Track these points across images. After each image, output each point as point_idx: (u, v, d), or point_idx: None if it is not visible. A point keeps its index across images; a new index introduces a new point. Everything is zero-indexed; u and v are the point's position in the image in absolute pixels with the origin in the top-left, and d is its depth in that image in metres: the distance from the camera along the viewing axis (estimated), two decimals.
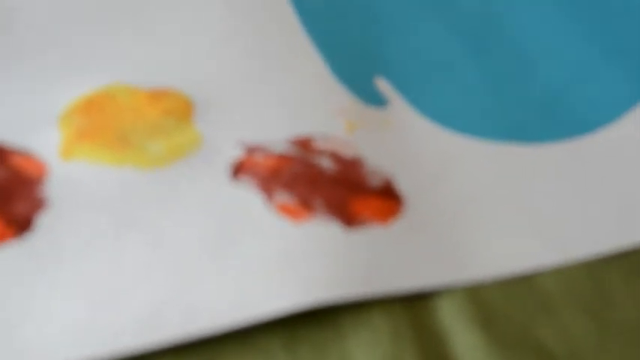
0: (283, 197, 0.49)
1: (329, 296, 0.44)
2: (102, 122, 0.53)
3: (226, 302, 0.44)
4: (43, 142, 0.52)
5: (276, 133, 0.53)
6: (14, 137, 0.52)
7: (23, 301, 0.43)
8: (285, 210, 0.49)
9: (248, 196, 0.50)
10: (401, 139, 0.55)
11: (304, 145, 0.53)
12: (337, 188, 0.50)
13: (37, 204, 0.48)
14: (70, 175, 0.50)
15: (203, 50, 0.59)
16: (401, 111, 0.57)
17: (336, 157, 0.52)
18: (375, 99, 0.57)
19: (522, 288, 0.49)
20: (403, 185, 0.51)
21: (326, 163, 0.52)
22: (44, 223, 0.48)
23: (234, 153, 0.52)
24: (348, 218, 0.49)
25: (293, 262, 0.46)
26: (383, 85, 0.59)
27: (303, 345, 0.45)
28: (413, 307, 0.47)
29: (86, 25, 0.60)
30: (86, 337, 0.42)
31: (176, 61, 0.58)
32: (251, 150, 0.52)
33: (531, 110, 0.58)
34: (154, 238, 0.47)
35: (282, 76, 0.58)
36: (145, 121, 0.54)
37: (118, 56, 0.58)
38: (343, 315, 0.46)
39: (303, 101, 0.56)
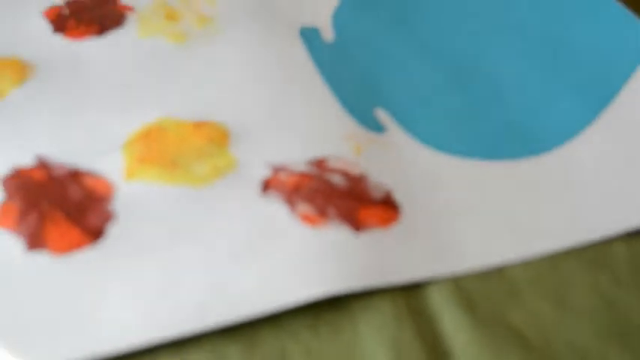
0: (304, 208, 0.50)
1: (343, 287, 0.46)
2: (157, 149, 0.54)
3: (261, 292, 0.45)
4: (110, 166, 0.53)
5: (297, 155, 0.54)
6: (86, 162, 0.53)
7: (98, 294, 0.45)
8: (306, 218, 0.50)
9: (275, 208, 0.51)
10: (397, 159, 0.55)
11: (320, 165, 0.54)
12: (347, 200, 0.51)
13: (106, 217, 0.49)
14: (132, 193, 0.51)
15: (237, 89, 0.59)
16: (396, 136, 0.57)
17: (345, 175, 0.53)
18: (375, 126, 0.58)
19: (496, 277, 0.49)
20: (400, 197, 0.52)
21: (337, 180, 0.52)
22: (113, 232, 0.49)
23: (263, 173, 0.53)
24: (356, 224, 0.50)
25: (313, 260, 0.47)
26: (381, 115, 0.59)
27: (323, 326, 0.46)
28: (410, 294, 0.48)
29: (141, 71, 0.60)
30: (151, 322, 0.44)
31: (215, 99, 0.58)
32: (276, 170, 0.53)
33: (501, 133, 0.58)
34: (202, 242, 0.48)
35: (302, 110, 0.58)
36: (190, 148, 0.54)
37: (168, 95, 0.59)
38: (355, 301, 0.47)
39: (318, 130, 0.57)
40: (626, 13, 0.66)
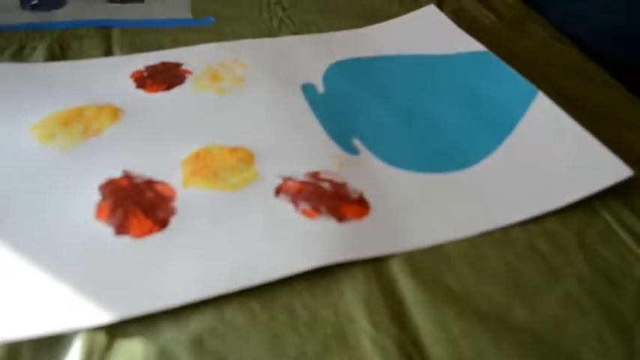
0: (304, 205, 0.48)
1: (331, 260, 0.43)
2: (204, 166, 0.51)
3: (275, 263, 0.43)
4: (172, 177, 0.50)
5: (299, 170, 0.51)
6: (157, 174, 0.50)
7: (164, 265, 0.42)
8: (305, 212, 0.47)
9: (284, 206, 0.48)
10: (367, 173, 0.52)
11: (314, 176, 0.51)
12: (333, 200, 0.48)
13: (170, 212, 0.47)
14: (187, 196, 0.48)
15: (259, 126, 0.56)
16: (367, 157, 0.54)
17: (332, 183, 0.50)
18: (352, 150, 0.55)
19: (435, 252, 0.46)
20: (369, 198, 0.49)
21: (326, 186, 0.49)
22: (174, 222, 0.46)
23: (276, 182, 0.50)
24: (340, 217, 0.47)
25: (310, 241, 0.45)
26: (357, 143, 0.56)
27: (317, 287, 0.43)
28: (376, 265, 0.45)
29: (194, 113, 0.58)
30: (199, 283, 0.41)
31: (244, 132, 0.55)
32: (285, 180, 0.50)
33: (437, 156, 0.54)
34: (234, 228, 0.45)
35: (302, 140, 0.55)
36: (227, 165, 0.51)
37: (212, 130, 0.56)
38: (338, 270, 0.44)
39: (313, 152, 0.53)
40: (514, 74, 0.62)
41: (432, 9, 0.74)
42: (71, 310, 0.38)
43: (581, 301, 0.43)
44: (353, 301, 0.42)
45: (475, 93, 0.61)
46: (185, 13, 0.75)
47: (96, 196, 0.46)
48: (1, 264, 0.40)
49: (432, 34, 0.70)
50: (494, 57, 0.64)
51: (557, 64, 0.70)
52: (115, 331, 0.38)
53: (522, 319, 0.41)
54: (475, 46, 0.66)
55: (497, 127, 0.57)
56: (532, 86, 0.59)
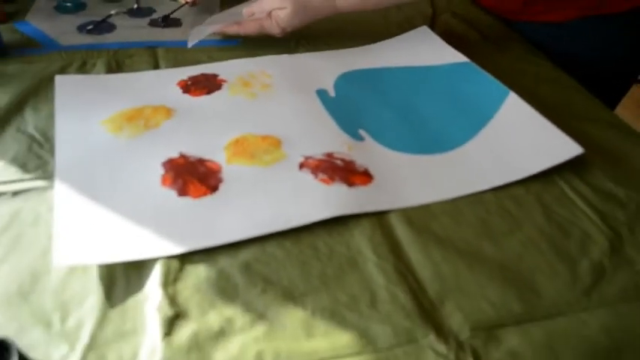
0: (322, 175, 0.61)
1: (344, 211, 0.57)
2: (242, 149, 0.65)
3: (303, 214, 0.56)
4: (219, 157, 0.63)
5: (317, 151, 0.64)
6: (206, 155, 0.64)
7: (216, 217, 0.56)
8: (323, 180, 0.60)
9: (306, 176, 0.61)
10: (370, 153, 0.65)
11: (329, 155, 0.64)
12: (344, 172, 0.62)
13: (218, 181, 0.60)
14: (230, 169, 0.62)
15: (284, 120, 0.70)
16: (369, 142, 0.68)
17: (342, 160, 0.63)
18: (359, 137, 0.68)
19: (424, 209, 0.60)
20: (372, 171, 0.62)
21: (339, 162, 0.63)
22: (222, 188, 0.59)
23: (299, 160, 0.63)
24: (349, 183, 0.60)
25: (328, 199, 0.58)
26: (362, 132, 0.69)
27: (334, 231, 0.56)
28: (379, 217, 0.58)
29: (231, 112, 0.72)
30: (244, 227, 0.55)
31: (273, 124, 0.69)
32: (306, 158, 0.64)
33: (425, 141, 0.68)
34: (268, 192, 0.59)
35: (318, 129, 0.69)
36: (260, 148, 0.65)
37: (246, 123, 0.69)
38: (349, 220, 0.57)
39: (327, 139, 0.67)
40: (490, 78, 0.76)
41: (424, 29, 0.89)
42: (153, 244, 0.52)
43: (537, 243, 0.56)
44: (361, 240, 0.55)
45: (457, 93, 0.75)
46: (215, 35, 0.91)
47: (160, 170, 0.61)
48: (98, 215, 0.55)
49: (423, 49, 0.85)
50: (474, 65, 0.79)
51: (530, 73, 0.84)
52: (185, 259, 0.52)
53: (490, 253, 0.55)
54: (459, 57, 0.81)
55: (475, 119, 0.71)
56: (505, 87, 0.73)
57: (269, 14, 0.81)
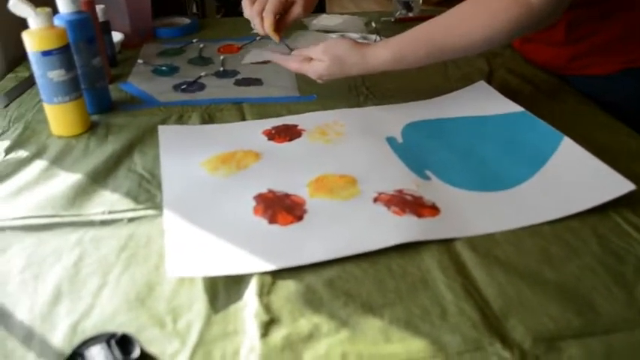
0: (394, 208, 0.66)
1: (416, 238, 0.62)
2: (322, 185, 0.71)
3: (379, 239, 0.61)
4: (302, 192, 0.70)
5: (389, 187, 0.70)
6: (290, 191, 0.70)
7: (301, 241, 0.62)
8: (395, 212, 0.66)
9: (380, 209, 0.67)
10: (437, 190, 0.70)
11: (400, 191, 0.69)
12: (414, 205, 0.67)
13: (303, 212, 0.66)
14: (313, 203, 0.68)
15: (358, 162, 0.76)
16: (436, 181, 0.73)
17: (412, 196, 0.69)
18: (425, 177, 0.73)
19: (488, 238, 0.64)
20: (439, 205, 0.67)
21: (409, 197, 0.68)
22: (306, 218, 0.65)
23: (373, 195, 0.69)
24: (419, 215, 0.65)
25: (399, 228, 0.63)
26: (428, 173, 0.75)
27: (405, 256, 0.61)
28: (446, 244, 0.63)
29: (311, 156, 0.79)
30: (327, 250, 0.60)
31: (348, 165, 0.75)
32: (380, 193, 0.69)
33: (488, 180, 0.72)
34: (346, 223, 0.65)
35: (389, 169, 0.75)
36: (338, 185, 0.71)
37: (325, 164, 0.76)
38: (419, 246, 0.62)
39: (397, 177, 0.73)
40: (545, 124, 0.80)
41: (481, 83, 0.96)
42: (248, 262, 0.59)
43: (594, 268, 0.59)
44: (430, 263, 0.60)
45: (514, 138, 0.80)
46: (294, 92, 1.00)
47: (252, 202, 0.68)
48: (202, 237, 0.62)
49: (482, 101, 0.90)
50: (529, 114, 0.84)
51: (583, 120, 0.89)
52: (276, 275, 0.58)
53: (550, 277, 0.58)
54: (515, 107, 0.86)
55: (532, 161, 0.75)
56: (559, 133, 0.78)
57: (310, 60, 0.88)
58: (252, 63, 0.99)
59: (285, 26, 0.95)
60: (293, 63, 0.89)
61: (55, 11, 0.84)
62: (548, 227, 0.65)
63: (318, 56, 0.86)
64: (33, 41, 0.78)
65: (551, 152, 0.76)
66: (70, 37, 0.81)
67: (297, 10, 0.94)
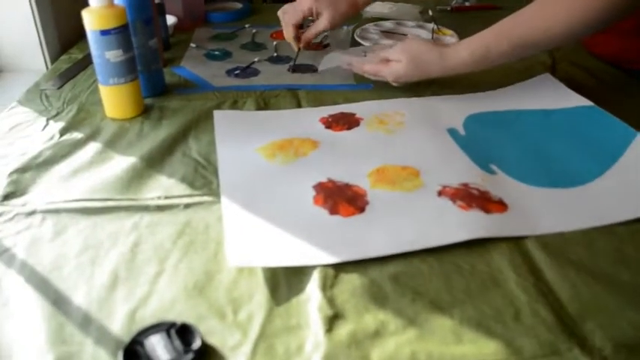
0: (460, 202, 0.64)
1: (483, 235, 0.59)
2: (384, 176, 0.69)
3: (443, 234, 0.59)
4: (363, 183, 0.68)
5: (454, 180, 0.68)
6: (351, 181, 0.68)
7: (366, 233, 0.60)
8: (461, 207, 0.63)
9: (446, 203, 0.64)
10: (503, 185, 0.68)
11: (465, 185, 0.67)
12: (480, 200, 0.64)
13: (365, 203, 0.64)
14: (374, 194, 0.66)
15: (421, 152, 0.74)
16: (502, 176, 0.70)
17: (478, 190, 0.66)
18: (491, 171, 0.71)
19: (559, 236, 0.61)
20: (507, 201, 0.65)
21: (474, 192, 0.66)
22: (368, 209, 0.63)
23: (437, 188, 0.67)
24: (486, 210, 0.63)
25: (466, 223, 0.61)
26: (493, 167, 0.72)
27: (473, 252, 0.59)
28: (515, 242, 0.60)
29: (370, 145, 0.77)
30: (390, 244, 0.58)
31: (410, 156, 0.73)
32: (444, 186, 0.67)
33: (556, 176, 0.70)
34: (410, 215, 0.62)
35: (452, 162, 0.72)
36: (400, 176, 0.69)
37: (385, 154, 0.74)
38: (487, 243, 0.60)
39: (461, 170, 0.70)
40: (617, 120, 0.77)
41: (546, 76, 0.92)
42: (310, 253, 0.57)
43: None
44: (500, 261, 0.57)
45: (583, 133, 0.77)
46: (349, 80, 0.97)
47: (311, 192, 0.66)
48: (261, 226, 0.60)
49: (547, 94, 0.87)
50: (599, 109, 0.80)
51: None
52: (339, 268, 0.56)
53: (627, 279, 0.55)
54: (584, 101, 0.83)
55: (603, 158, 0.72)
56: (632, 129, 0.74)
57: (387, 62, 0.87)
58: (329, 68, 0.97)
59: (309, 37, 1.01)
60: (369, 66, 0.89)
61: None
62: (623, 227, 0.62)
63: (396, 57, 0.85)
64: (92, 19, 0.77)
65: (623, 149, 0.73)
66: (128, 16, 0.80)
67: (322, 23, 0.99)
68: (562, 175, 0.70)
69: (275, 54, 1.08)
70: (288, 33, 1.00)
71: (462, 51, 0.81)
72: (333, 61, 0.94)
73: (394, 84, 0.88)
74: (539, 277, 0.56)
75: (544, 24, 0.76)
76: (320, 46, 1.13)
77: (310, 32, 1.00)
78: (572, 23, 0.74)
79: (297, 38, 1.01)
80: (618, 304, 0.52)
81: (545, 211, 0.64)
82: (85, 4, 0.78)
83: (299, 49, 1.02)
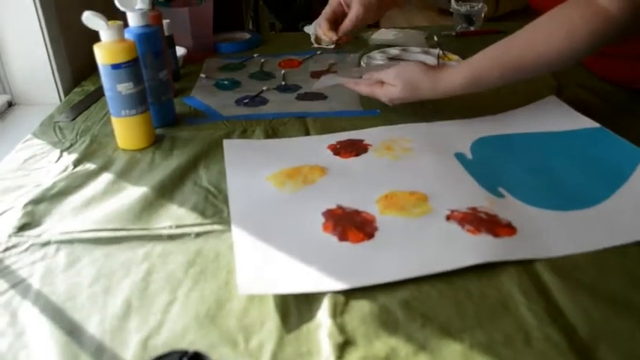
0: (469, 227, 0.64)
1: (491, 259, 0.59)
2: (393, 202, 0.69)
3: (451, 259, 0.59)
4: (372, 209, 0.68)
5: (462, 204, 0.68)
6: (360, 207, 0.68)
7: (370, 259, 0.60)
8: (469, 231, 0.63)
9: (454, 228, 0.64)
10: (512, 209, 0.68)
11: (473, 209, 0.67)
12: (489, 224, 0.64)
13: (374, 229, 0.64)
14: (384, 220, 0.66)
15: (428, 179, 0.74)
16: (510, 199, 0.70)
17: (487, 214, 0.66)
18: (499, 194, 0.71)
19: (568, 259, 0.61)
20: (515, 224, 0.64)
21: (483, 215, 0.66)
22: (377, 235, 0.64)
23: (446, 212, 0.67)
24: (495, 234, 0.62)
25: (475, 248, 0.61)
26: (501, 190, 0.72)
27: (482, 277, 0.58)
28: (524, 265, 0.60)
29: (378, 172, 0.77)
30: (398, 269, 0.58)
31: (418, 181, 0.73)
32: (452, 211, 0.67)
33: (564, 199, 0.69)
34: (420, 238, 0.63)
35: (461, 186, 0.72)
36: (408, 203, 0.69)
37: (392, 180, 0.74)
38: (496, 268, 0.59)
39: (470, 195, 0.70)
40: (625, 141, 0.77)
41: (552, 98, 0.92)
42: (320, 280, 0.57)
43: None
44: (510, 285, 0.57)
45: (591, 155, 0.77)
46: (357, 107, 0.98)
47: (320, 219, 0.66)
48: (271, 253, 0.61)
49: (554, 116, 0.87)
50: (606, 130, 0.80)
51: None
52: (349, 294, 0.56)
53: (639, 301, 0.55)
54: (590, 123, 0.83)
55: (611, 180, 0.71)
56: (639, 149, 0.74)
57: (382, 84, 0.88)
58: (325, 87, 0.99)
59: (345, 28, 1.01)
60: (364, 87, 0.90)
61: (124, 25, 0.84)
62: (635, 248, 0.61)
63: (390, 80, 0.86)
64: (104, 54, 0.78)
65: (632, 170, 0.73)
66: (138, 50, 0.81)
67: (353, 11, 1.00)
68: (570, 198, 0.69)
69: (283, 82, 1.10)
70: (323, 28, 1.02)
71: (456, 75, 0.81)
72: (328, 81, 0.95)
73: (389, 104, 0.89)
74: (549, 301, 0.55)
75: (542, 47, 0.76)
76: (328, 72, 1.14)
77: (345, 23, 1.01)
78: (573, 46, 0.74)
79: (334, 31, 1.02)
80: (631, 328, 0.52)
81: (554, 233, 0.63)
82: (97, 39, 0.79)
83: (335, 43, 1.03)
